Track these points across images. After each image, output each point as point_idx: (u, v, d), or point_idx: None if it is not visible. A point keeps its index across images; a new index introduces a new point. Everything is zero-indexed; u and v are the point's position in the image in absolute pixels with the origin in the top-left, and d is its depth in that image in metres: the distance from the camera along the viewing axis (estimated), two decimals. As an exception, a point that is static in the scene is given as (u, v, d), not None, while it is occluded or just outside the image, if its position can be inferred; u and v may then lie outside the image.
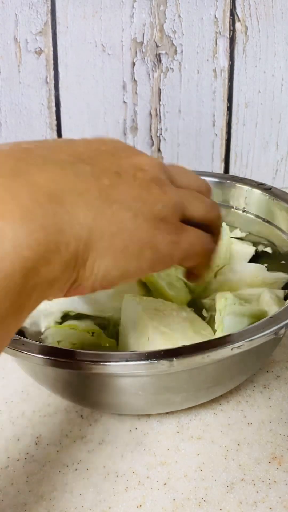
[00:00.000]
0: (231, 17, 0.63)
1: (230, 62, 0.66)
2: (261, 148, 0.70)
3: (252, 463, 0.34)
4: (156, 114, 0.68)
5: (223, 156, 0.71)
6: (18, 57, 0.65)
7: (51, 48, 0.65)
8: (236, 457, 0.35)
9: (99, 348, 0.40)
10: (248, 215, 0.50)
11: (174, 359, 0.29)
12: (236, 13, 0.63)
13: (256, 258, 0.49)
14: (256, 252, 0.49)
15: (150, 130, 0.69)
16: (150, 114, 0.68)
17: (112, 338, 0.41)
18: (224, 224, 0.48)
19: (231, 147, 0.70)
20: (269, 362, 0.43)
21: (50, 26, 0.64)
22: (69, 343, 0.40)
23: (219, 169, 0.72)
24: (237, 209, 0.51)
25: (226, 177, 0.53)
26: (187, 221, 0.28)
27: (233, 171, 0.72)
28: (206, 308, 0.44)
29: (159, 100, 0.68)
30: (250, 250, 0.49)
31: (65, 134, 0.69)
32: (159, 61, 0.66)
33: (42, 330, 0.42)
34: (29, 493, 0.33)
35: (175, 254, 0.27)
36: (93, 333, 0.40)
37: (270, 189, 0.48)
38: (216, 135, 0.69)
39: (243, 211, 0.51)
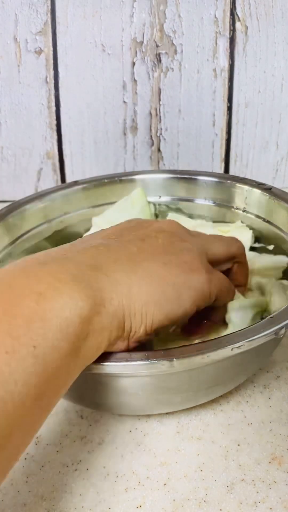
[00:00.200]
0: (231, 16, 0.63)
1: (230, 62, 0.66)
2: (261, 148, 0.70)
3: (252, 463, 0.34)
4: (156, 114, 0.68)
5: (223, 156, 0.71)
6: (18, 57, 0.65)
7: (51, 48, 0.65)
8: (236, 457, 0.35)
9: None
10: (248, 215, 0.50)
11: (174, 359, 0.29)
12: (236, 13, 0.63)
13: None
14: (255, 249, 0.49)
15: (150, 130, 0.69)
16: (150, 114, 0.68)
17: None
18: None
19: (231, 147, 0.70)
20: (269, 362, 0.43)
21: (50, 26, 0.64)
22: None
23: (219, 169, 0.72)
24: (237, 209, 0.51)
25: (226, 177, 0.52)
26: (213, 262, 0.33)
27: (233, 171, 0.72)
28: None
29: (159, 100, 0.68)
30: (247, 236, 0.48)
31: (65, 134, 0.69)
32: (159, 61, 0.66)
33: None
34: (29, 493, 0.33)
35: (212, 289, 0.32)
36: None
37: (270, 189, 0.48)
38: (216, 135, 0.69)
39: (243, 211, 0.50)
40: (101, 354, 0.30)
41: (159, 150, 0.70)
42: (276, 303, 0.41)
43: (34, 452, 0.36)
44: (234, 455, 0.35)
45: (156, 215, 0.54)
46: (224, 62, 0.66)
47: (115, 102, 0.68)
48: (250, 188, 0.50)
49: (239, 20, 0.64)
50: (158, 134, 0.69)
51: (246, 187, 0.50)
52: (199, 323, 0.38)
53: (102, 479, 0.34)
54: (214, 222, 0.53)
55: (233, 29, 0.64)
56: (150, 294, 0.28)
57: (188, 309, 0.30)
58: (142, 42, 0.64)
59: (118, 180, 0.54)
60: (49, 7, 0.63)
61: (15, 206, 0.48)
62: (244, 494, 0.32)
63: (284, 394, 0.40)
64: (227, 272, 0.38)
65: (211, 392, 0.36)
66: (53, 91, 0.67)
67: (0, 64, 0.65)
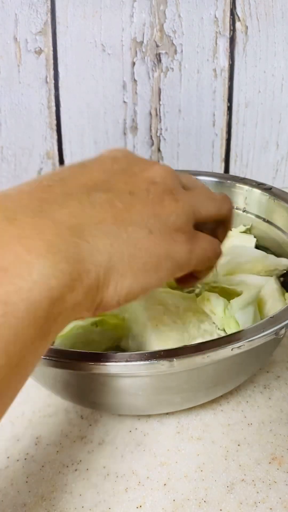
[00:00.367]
0: (231, 16, 0.63)
1: (230, 62, 0.66)
2: (261, 148, 0.70)
3: (252, 464, 0.34)
4: (156, 114, 0.68)
5: (223, 156, 0.71)
6: (18, 57, 0.65)
7: (51, 48, 0.65)
8: (236, 457, 0.35)
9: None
10: (248, 215, 0.50)
11: (174, 359, 0.29)
12: (236, 12, 0.63)
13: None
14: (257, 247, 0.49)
15: (150, 130, 0.69)
16: (150, 114, 0.68)
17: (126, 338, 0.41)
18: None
19: (231, 147, 0.70)
20: (270, 362, 0.43)
21: (50, 26, 0.64)
22: (80, 343, 0.40)
23: (219, 169, 0.72)
24: (237, 209, 0.51)
25: (226, 177, 0.53)
26: (199, 223, 0.30)
27: (233, 171, 0.72)
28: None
29: (159, 100, 0.67)
30: (251, 244, 0.48)
31: (65, 134, 0.69)
32: (159, 60, 0.65)
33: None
34: (29, 493, 0.33)
35: (191, 261, 0.29)
36: (96, 325, 0.40)
37: (271, 189, 0.48)
38: (216, 135, 0.69)
39: (243, 211, 0.50)
40: (101, 354, 0.30)
41: (159, 150, 0.70)
42: (273, 307, 0.41)
43: (34, 452, 0.36)
44: (234, 455, 0.35)
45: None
46: (224, 62, 0.66)
47: (115, 102, 0.68)
48: (250, 188, 0.50)
49: (239, 20, 0.64)
50: (158, 134, 0.69)
51: (246, 187, 0.50)
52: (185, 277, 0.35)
53: (102, 479, 0.34)
54: None
55: (233, 29, 0.64)
56: (130, 266, 0.25)
57: (164, 280, 0.28)
58: (142, 42, 0.64)
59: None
60: (49, 7, 0.63)
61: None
62: (244, 494, 0.32)
63: (284, 394, 0.40)
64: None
65: (211, 392, 0.36)
66: (53, 91, 0.67)
67: (0, 64, 0.65)
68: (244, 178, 0.51)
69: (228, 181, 0.51)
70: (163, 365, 0.29)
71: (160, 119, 0.68)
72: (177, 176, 0.30)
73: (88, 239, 0.24)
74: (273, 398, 0.39)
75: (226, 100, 0.67)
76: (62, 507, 0.32)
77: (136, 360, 0.29)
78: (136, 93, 0.67)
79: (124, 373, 0.30)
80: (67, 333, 0.40)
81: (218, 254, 0.32)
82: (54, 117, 0.68)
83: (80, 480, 0.34)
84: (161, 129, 0.69)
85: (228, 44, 0.65)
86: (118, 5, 0.63)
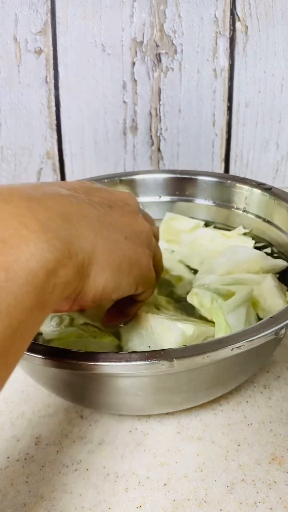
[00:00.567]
0: (231, 16, 0.63)
1: (230, 62, 0.66)
2: (261, 148, 0.70)
3: (252, 464, 0.34)
4: (156, 114, 0.68)
5: (223, 156, 0.71)
6: (18, 57, 0.65)
7: (51, 48, 0.65)
8: (236, 457, 0.35)
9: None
10: (248, 215, 0.50)
11: (174, 359, 0.29)
12: (236, 12, 0.63)
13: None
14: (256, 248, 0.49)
15: (150, 129, 0.69)
16: (150, 114, 0.68)
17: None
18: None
19: (231, 147, 0.70)
20: (270, 362, 0.43)
21: (50, 26, 0.64)
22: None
23: (219, 169, 0.72)
24: (237, 209, 0.51)
25: (226, 177, 0.53)
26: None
27: (233, 171, 0.72)
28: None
29: (159, 99, 0.67)
30: (249, 245, 0.48)
31: (65, 134, 0.69)
32: (159, 60, 0.65)
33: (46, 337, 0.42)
34: (29, 493, 0.33)
35: (150, 276, 0.33)
36: (95, 336, 0.40)
37: (271, 189, 0.48)
38: (216, 134, 0.69)
39: (243, 211, 0.50)
40: (101, 354, 0.30)
41: (159, 150, 0.70)
42: (274, 304, 0.41)
43: (34, 452, 0.36)
44: (234, 455, 0.35)
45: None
46: (224, 62, 0.66)
47: (115, 102, 0.68)
48: (250, 188, 0.50)
49: (239, 20, 0.64)
50: (158, 134, 0.69)
51: (246, 187, 0.50)
52: (114, 313, 0.39)
53: (102, 479, 0.34)
54: (215, 227, 0.53)
55: (233, 29, 0.64)
56: (109, 261, 0.28)
57: (131, 288, 0.31)
58: (142, 42, 0.64)
59: (118, 180, 0.54)
60: (49, 7, 0.63)
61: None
62: (244, 494, 0.32)
63: (284, 394, 0.39)
64: None
65: (211, 392, 0.36)
66: (53, 91, 0.67)
67: (0, 64, 0.65)
68: (244, 178, 0.51)
69: (228, 181, 0.51)
70: (163, 365, 0.29)
71: (160, 119, 0.68)
72: (139, 206, 0.35)
73: (76, 226, 0.26)
74: (273, 398, 0.39)
75: (226, 100, 0.67)
76: (62, 507, 0.32)
77: (136, 360, 0.29)
78: (136, 93, 0.67)
79: (124, 373, 0.30)
80: (63, 340, 0.40)
81: (153, 290, 0.37)
82: (54, 117, 0.68)
83: (80, 480, 0.34)
84: (161, 129, 0.69)
85: (228, 44, 0.65)
86: (118, 5, 0.63)
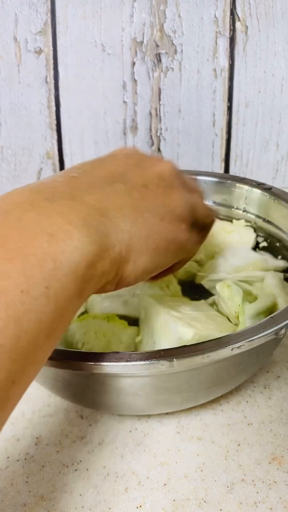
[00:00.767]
0: (231, 16, 0.63)
1: (230, 62, 0.65)
2: (261, 148, 0.70)
3: (252, 464, 0.34)
4: (156, 114, 0.68)
5: (223, 156, 0.71)
6: (18, 57, 0.65)
7: (51, 48, 0.65)
8: (236, 457, 0.35)
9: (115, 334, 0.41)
10: (248, 215, 0.50)
11: (174, 359, 0.29)
12: (236, 12, 0.63)
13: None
14: (258, 247, 0.49)
15: (150, 130, 0.69)
16: (150, 114, 0.68)
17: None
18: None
19: (231, 146, 0.70)
20: (270, 362, 0.43)
21: (50, 26, 0.64)
22: (93, 332, 0.40)
23: (219, 168, 0.72)
24: (237, 209, 0.51)
25: (226, 177, 0.52)
26: (194, 221, 0.35)
27: (233, 171, 0.72)
28: (206, 289, 0.45)
29: (159, 99, 0.67)
30: (250, 239, 0.48)
31: (65, 133, 0.69)
32: (159, 60, 0.65)
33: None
34: (29, 493, 0.33)
35: (189, 247, 0.35)
36: (108, 319, 0.41)
37: (271, 189, 0.48)
38: (216, 134, 0.69)
39: (244, 211, 0.50)
40: (101, 354, 0.30)
41: (159, 150, 0.70)
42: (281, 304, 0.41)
43: (34, 452, 0.36)
44: (234, 455, 0.35)
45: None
46: (224, 62, 0.66)
47: (115, 102, 0.68)
48: (250, 188, 0.50)
49: (239, 20, 0.64)
50: (158, 134, 0.69)
51: (246, 187, 0.50)
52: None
53: (102, 479, 0.34)
54: (217, 217, 0.52)
55: (233, 29, 0.64)
56: (146, 246, 0.30)
57: (171, 262, 0.33)
58: (142, 42, 0.64)
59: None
60: (49, 7, 0.63)
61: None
62: (244, 494, 0.32)
63: (284, 394, 0.39)
64: None
65: (211, 392, 0.36)
66: (53, 91, 0.67)
67: (0, 64, 0.65)
68: (244, 178, 0.51)
69: (228, 181, 0.51)
70: (163, 365, 0.29)
71: (160, 119, 0.68)
72: (181, 174, 0.35)
73: (113, 220, 0.28)
74: (273, 398, 0.39)
75: (226, 100, 0.67)
76: (62, 507, 0.32)
77: (136, 360, 0.29)
78: (136, 93, 0.67)
79: (124, 373, 0.30)
80: (81, 320, 0.41)
81: (198, 250, 0.38)
82: (54, 117, 0.68)
83: (80, 480, 0.34)
84: (161, 129, 0.69)
85: (228, 44, 0.65)
86: (118, 5, 0.63)
